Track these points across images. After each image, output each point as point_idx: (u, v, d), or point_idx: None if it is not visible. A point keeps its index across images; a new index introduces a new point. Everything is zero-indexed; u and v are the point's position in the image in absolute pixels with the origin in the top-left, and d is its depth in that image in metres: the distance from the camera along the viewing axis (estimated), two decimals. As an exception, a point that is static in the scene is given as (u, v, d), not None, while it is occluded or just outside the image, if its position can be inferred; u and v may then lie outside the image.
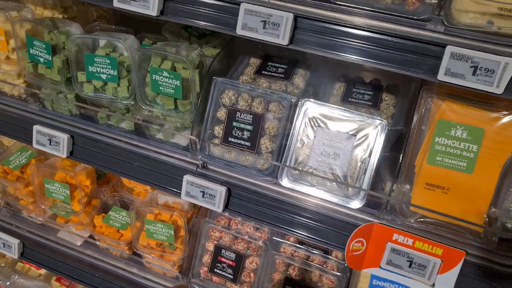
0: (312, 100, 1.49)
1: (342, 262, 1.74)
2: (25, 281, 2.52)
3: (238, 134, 1.56)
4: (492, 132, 1.31)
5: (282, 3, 1.29)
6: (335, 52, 1.24)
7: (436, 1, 1.19)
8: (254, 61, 1.71)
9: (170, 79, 1.52)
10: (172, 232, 1.80)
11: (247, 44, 1.75)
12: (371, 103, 1.59)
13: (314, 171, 1.48)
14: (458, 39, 1.14)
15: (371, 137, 1.44)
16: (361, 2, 1.24)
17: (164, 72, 1.50)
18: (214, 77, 1.56)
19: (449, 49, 1.13)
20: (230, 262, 1.83)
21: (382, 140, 1.41)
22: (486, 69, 1.11)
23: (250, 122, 1.54)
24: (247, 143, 1.55)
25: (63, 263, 2.16)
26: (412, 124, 1.39)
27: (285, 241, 1.81)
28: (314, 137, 1.49)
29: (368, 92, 1.63)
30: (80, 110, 1.84)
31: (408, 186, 1.45)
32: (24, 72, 1.83)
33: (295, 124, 1.50)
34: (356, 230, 1.35)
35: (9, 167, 2.16)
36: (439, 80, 1.14)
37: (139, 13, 1.39)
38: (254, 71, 1.66)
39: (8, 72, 1.90)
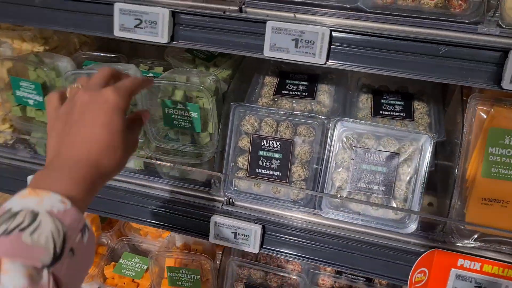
0: (345, 118, 1.35)
1: None
2: None
3: (266, 164, 1.40)
4: (550, 136, 1.20)
5: (311, 17, 1.15)
6: (383, 68, 1.10)
7: (483, 1, 1.07)
8: (270, 80, 1.55)
9: (186, 111, 1.34)
10: (198, 277, 1.62)
11: (257, 61, 1.60)
12: (404, 114, 1.46)
13: (356, 196, 1.34)
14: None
15: (416, 153, 1.31)
16: (399, 9, 1.11)
17: (179, 104, 1.33)
18: (231, 103, 1.40)
19: (512, 53, 1.00)
20: (264, 302, 1.66)
21: (429, 156, 1.28)
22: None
23: (279, 149, 1.39)
24: (277, 173, 1.39)
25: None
26: (462, 135, 1.27)
27: (322, 272, 1.65)
28: (352, 159, 1.35)
29: (399, 102, 1.50)
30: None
31: (459, 203, 1.32)
32: (9, 116, 1.62)
33: (328, 147, 1.36)
34: (418, 259, 1.21)
35: None
36: (506, 89, 1.02)
37: (147, 41, 1.21)
38: (273, 91, 1.51)
39: (-10, 117, 1.69)
